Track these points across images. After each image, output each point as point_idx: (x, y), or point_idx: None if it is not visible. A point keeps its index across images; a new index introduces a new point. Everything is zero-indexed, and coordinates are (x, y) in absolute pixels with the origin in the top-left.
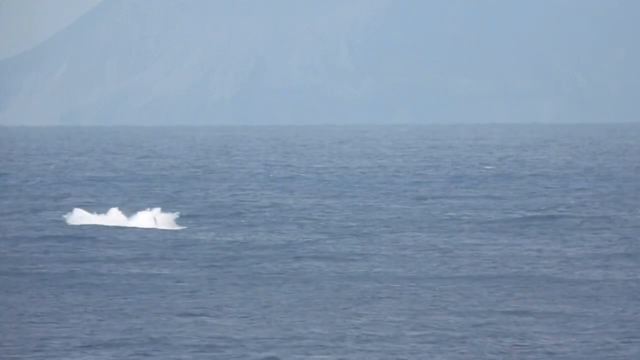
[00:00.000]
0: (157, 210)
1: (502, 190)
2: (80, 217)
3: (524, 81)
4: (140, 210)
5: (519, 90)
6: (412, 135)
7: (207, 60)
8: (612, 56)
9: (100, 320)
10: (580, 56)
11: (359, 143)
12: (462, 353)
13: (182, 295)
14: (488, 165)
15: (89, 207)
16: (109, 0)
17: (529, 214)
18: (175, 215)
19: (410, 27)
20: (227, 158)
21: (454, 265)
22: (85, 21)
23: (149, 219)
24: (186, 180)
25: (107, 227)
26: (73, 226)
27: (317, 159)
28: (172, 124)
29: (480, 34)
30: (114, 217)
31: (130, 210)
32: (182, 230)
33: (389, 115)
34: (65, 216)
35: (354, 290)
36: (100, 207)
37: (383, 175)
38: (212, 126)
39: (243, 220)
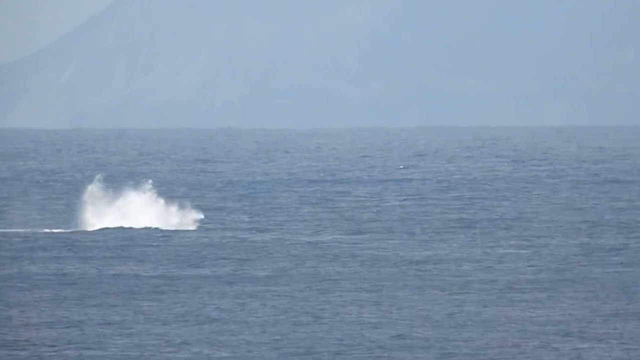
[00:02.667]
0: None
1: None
2: None
3: (534, 83)
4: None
5: (529, 93)
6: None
7: (215, 62)
8: (622, 58)
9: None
10: (590, 58)
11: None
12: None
13: None
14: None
15: None
16: (117, 3)
17: None
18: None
19: (419, 30)
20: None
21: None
22: (93, 23)
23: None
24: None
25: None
26: None
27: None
28: (180, 126)
29: (489, 36)
30: None
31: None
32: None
33: (398, 117)
34: None
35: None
36: None
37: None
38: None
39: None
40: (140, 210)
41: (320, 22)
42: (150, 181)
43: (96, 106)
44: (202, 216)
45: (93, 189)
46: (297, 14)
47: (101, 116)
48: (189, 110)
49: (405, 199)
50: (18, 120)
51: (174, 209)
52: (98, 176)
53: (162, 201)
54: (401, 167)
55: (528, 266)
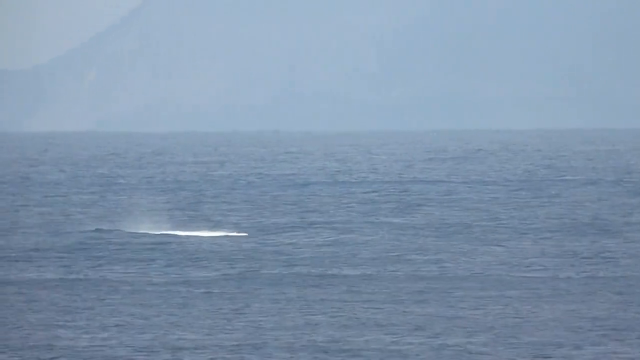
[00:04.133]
0: None
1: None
2: None
3: (552, 87)
4: None
5: (547, 96)
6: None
7: (238, 66)
8: None
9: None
10: (607, 61)
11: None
12: None
13: None
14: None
15: None
16: (141, 7)
17: None
18: None
19: (438, 34)
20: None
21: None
22: (117, 28)
23: None
24: None
25: None
26: None
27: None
28: (203, 130)
29: (507, 39)
30: None
31: None
32: None
33: (419, 121)
34: None
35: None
36: None
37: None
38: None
39: None
40: None
41: (341, 26)
42: None
43: (120, 110)
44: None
45: None
46: (317, 19)
47: (124, 120)
48: (213, 115)
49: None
50: (42, 124)
51: None
52: None
53: None
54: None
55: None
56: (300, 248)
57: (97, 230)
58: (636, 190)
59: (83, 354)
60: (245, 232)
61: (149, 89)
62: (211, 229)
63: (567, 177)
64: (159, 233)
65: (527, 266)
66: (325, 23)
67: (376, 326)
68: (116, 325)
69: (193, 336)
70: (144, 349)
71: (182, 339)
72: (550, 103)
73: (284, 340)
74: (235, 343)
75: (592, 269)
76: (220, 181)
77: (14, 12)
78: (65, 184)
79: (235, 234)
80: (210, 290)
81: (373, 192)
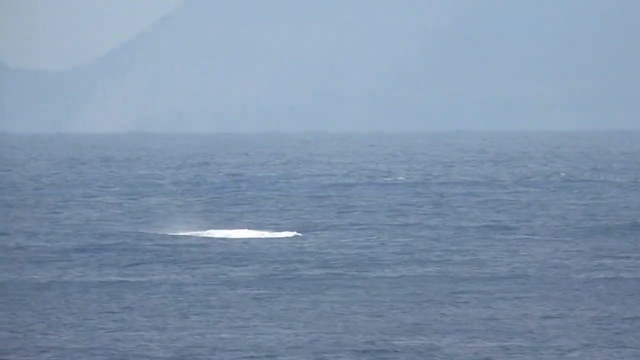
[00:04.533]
0: None
1: None
2: None
3: (596, 88)
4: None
5: (591, 97)
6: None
7: (278, 68)
8: None
9: None
10: None
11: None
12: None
13: None
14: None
15: None
16: (181, 9)
17: None
18: None
19: (480, 34)
20: None
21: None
22: (158, 28)
23: None
24: None
25: None
26: None
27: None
28: (243, 131)
29: (550, 39)
30: None
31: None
32: None
33: (458, 122)
34: None
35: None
36: None
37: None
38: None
39: None
40: None
41: (381, 26)
42: None
43: (159, 111)
44: None
45: None
46: (357, 20)
47: (164, 121)
48: (253, 116)
49: None
50: (83, 125)
51: None
52: None
53: None
54: None
55: None
56: (339, 249)
57: (136, 231)
58: None
59: (122, 354)
60: (285, 233)
61: (189, 90)
62: (251, 229)
63: (607, 179)
64: (198, 234)
65: (567, 267)
66: (365, 23)
67: (415, 327)
68: (154, 325)
69: (231, 337)
70: (182, 349)
71: (220, 339)
72: (598, 104)
73: (323, 342)
74: (273, 344)
75: (632, 270)
76: (260, 182)
77: (56, 13)
78: (106, 185)
79: (275, 234)
80: (249, 291)
81: (413, 192)
